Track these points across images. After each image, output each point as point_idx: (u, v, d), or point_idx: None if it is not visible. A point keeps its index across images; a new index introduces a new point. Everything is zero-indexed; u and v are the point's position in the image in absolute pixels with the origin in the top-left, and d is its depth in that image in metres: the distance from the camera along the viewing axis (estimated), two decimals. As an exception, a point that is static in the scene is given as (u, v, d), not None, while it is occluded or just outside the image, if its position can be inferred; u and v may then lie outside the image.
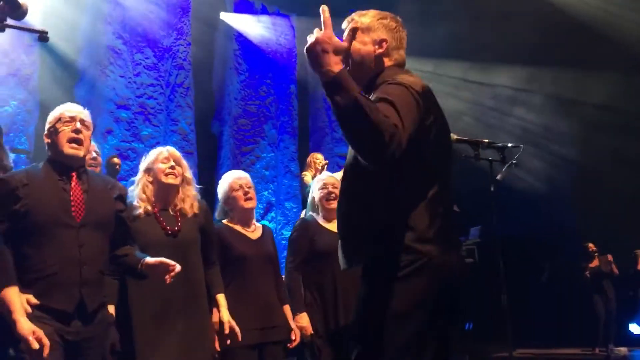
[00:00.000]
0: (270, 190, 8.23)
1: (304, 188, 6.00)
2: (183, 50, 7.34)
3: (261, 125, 8.18)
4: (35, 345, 2.04)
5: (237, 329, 3.00)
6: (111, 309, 2.77)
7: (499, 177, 3.15)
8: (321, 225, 3.61)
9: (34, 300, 2.24)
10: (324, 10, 1.81)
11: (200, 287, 2.96)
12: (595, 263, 8.45)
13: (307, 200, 5.09)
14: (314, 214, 3.71)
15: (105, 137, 6.56)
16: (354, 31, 2.05)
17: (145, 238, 2.80)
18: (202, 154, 7.50)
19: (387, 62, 2.03)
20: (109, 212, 2.58)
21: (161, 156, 3.01)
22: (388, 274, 1.84)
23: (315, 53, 1.77)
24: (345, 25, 2.10)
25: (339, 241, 2.06)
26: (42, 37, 1.80)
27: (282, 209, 8.32)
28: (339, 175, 4.14)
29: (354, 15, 2.10)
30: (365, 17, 2.07)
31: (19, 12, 1.64)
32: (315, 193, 3.71)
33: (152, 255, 2.61)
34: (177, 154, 3.08)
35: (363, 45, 2.03)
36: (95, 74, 6.60)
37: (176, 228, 2.92)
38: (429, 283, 1.82)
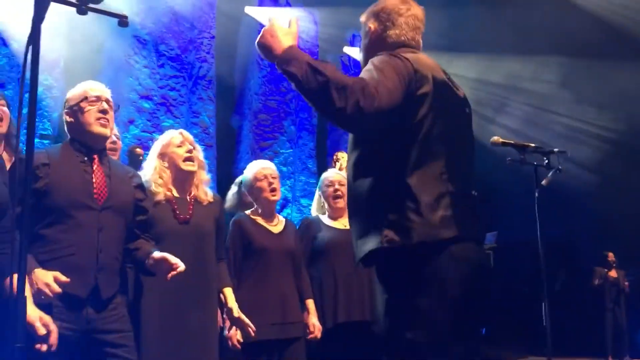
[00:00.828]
0: (287, 187, 8.24)
1: None
2: (207, 43, 7.36)
3: (281, 121, 8.19)
4: (42, 331, 1.97)
5: (247, 321, 2.93)
6: None
7: (544, 182, 3.12)
8: (324, 223, 3.58)
9: (63, 278, 2.13)
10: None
11: (213, 280, 2.89)
12: (612, 273, 8.38)
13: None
14: (319, 214, 3.68)
15: (127, 127, 6.60)
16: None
17: (159, 226, 2.73)
18: (220, 148, 7.52)
19: (382, 47, 1.95)
20: (130, 199, 2.51)
21: (176, 140, 2.91)
22: (396, 267, 1.75)
23: (263, 42, 1.77)
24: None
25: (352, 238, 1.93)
26: (122, 21, 1.81)
27: (298, 205, 8.33)
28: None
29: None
30: (362, 14, 2.06)
31: None
32: (321, 190, 3.68)
33: (166, 245, 2.55)
34: (191, 136, 2.99)
35: (361, 42, 2.04)
36: (120, 63, 6.64)
37: (188, 216, 2.83)
38: (443, 273, 1.70)
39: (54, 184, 2.30)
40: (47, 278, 2.11)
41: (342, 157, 5.83)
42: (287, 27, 1.80)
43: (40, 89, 5.98)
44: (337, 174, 3.74)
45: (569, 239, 9.02)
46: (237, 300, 2.99)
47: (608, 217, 8.95)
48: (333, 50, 9.16)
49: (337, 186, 3.58)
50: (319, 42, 8.84)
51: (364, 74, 1.75)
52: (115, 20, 1.81)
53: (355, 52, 9.27)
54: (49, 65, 5.97)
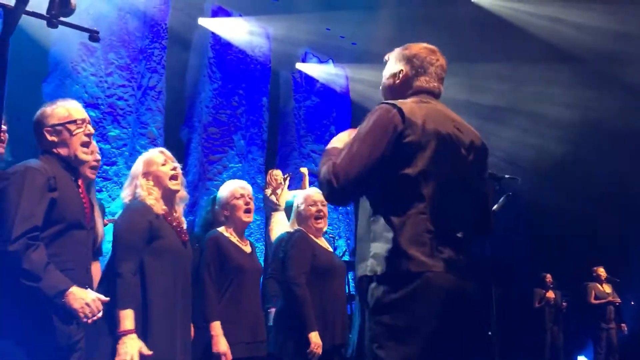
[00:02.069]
0: (234, 201, 8.16)
1: (267, 203, 6.02)
2: (158, 54, 7.26)
3: (230, 135, 8.14)
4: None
5: None
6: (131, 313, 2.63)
7: (495, 207, 3.26)
8: (316, 242, 3.64)
9: (103, 298, 2.31)
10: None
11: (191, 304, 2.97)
12: (550, 294, 8.62)
13: (268, 215, 5.09)
14: (303, 229, 3.70)
15: (71, 135, 6.41)
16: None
17: (166, 241, 2.77)
18: (168, 160, 7.38)
19: (408, 90, 2.14)
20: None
21: (159, 159, 2.96)
22: (376, 296, 1.90)
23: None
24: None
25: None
26: (92, 37, 1.80)
27: (246, 220, 8.27)
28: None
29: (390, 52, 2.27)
30: (392, 52, 2.23)
31: (68, 9, 1.65)
32: (302, 207, 3.70)
33: (172, 262, 2.68)
34: (171, 154, 3.05)
35: (386, 79, 2.21)
36: (66, 70, 6.46)
37: (186, 238, 2.93)
38: (418, 304, 1.85)
39: (61, 197, 2.37)
40: (91, 296, 2.25)
41: (277, 175, 5.86)
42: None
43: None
44: (319, 193, 3.78)
45: (508, 260, 9.25)
46: (218, 317, 3.14)
47: (544, 239, 9.24)
48: (285, 67, 9.20)
49: (320, 206, 3.66)
50: (271, 57, 8.86)
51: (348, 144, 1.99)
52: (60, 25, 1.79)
53: (307, 68, 9.34)
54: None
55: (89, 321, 2.27)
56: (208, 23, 8.04)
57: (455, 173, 2.03)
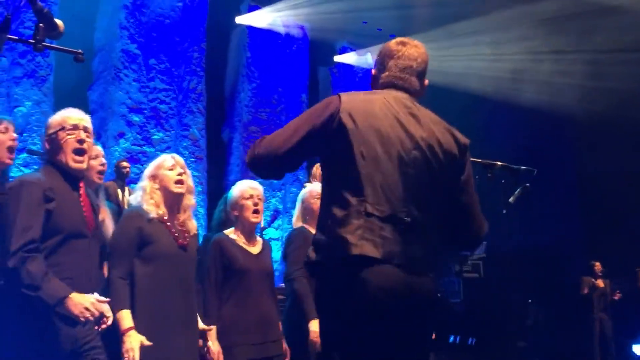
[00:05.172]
0: (277, 198, 8.25)
1: None
2: (197, 57, 7.39)
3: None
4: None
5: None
6: (127, 313, 2.69)
7: (511, 199, 3.14)
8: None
9: (103, 299, 2.36)
10: None
11: (195, 306, 2.96)
12: (599, 283, 8.38)
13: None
14: (306, 225, 3.66)
15: (117, 141, 6.60)
16: None
17: (158, 245, 2.78)
18: (211, 160, 7.52)
19: (375, 87, 2.15)
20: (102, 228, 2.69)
21: (168, 163, 2.97)
22: (316, 282, 1.93)
23: None
24: None
25: None
26: (77, 58, 1.85)
27: (289, 217, 8.32)
28: None
29: None
30: None
31: (56, 33, 1.69)
32: (307, 203, 3.66)
33: (163, 266, 2.66)
34: (182, 161, 3.06)
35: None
36: (109, 78, 6.65)
37: (186, 242, 2.91)
38: (344, 292, 1.79)
39: (59, 208, 2.39)
40: (89, 299, 2.29)
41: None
42: None
43: (29, 103, 6.01)
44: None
45: (558, 247, 9.03)
46: (218, 320, 3.10)
47: (594, 227, 8.96)
48: (323, 62, 9.22)
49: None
50: (309, 54, 8.89)
51: None
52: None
53: (345, 59, 9.33)
54: (38, 79, 5.98)
55: (100, 327, 2.35)
56: (245, 19, 8.12)
57: (403, 162, 1.92)
